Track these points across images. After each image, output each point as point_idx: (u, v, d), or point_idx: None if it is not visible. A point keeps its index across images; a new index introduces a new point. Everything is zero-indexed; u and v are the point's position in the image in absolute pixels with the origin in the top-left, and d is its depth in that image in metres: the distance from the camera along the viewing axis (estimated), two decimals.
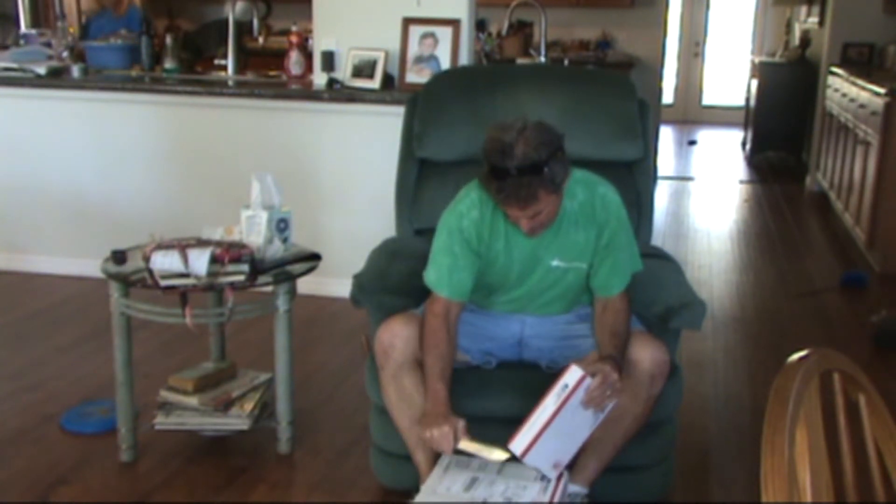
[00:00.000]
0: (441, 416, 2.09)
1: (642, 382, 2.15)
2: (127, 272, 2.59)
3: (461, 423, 2.08)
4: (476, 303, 2.39)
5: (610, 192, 2.28)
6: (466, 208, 2.26)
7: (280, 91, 4.30)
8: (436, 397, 2.13)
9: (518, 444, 2.01)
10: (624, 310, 2.26)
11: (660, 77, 7.64)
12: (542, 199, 2.05)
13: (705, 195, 7.31)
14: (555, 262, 2.26)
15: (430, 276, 2.29)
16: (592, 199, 2.24)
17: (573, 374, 2.03)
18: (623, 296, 2.28)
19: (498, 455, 2.07)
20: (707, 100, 11.63)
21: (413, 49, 4.10)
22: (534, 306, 2.36)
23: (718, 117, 11.23)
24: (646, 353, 2.15)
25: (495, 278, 2.31)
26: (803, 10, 8.80)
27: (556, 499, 2.07)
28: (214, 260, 2.50)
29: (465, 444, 2.12)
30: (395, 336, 2.21)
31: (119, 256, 2.65)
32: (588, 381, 2.04)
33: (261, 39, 5.49)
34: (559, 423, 2.03)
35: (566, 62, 6.99)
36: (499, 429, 2.25)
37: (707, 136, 10.44)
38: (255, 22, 5.17)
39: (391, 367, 2.22)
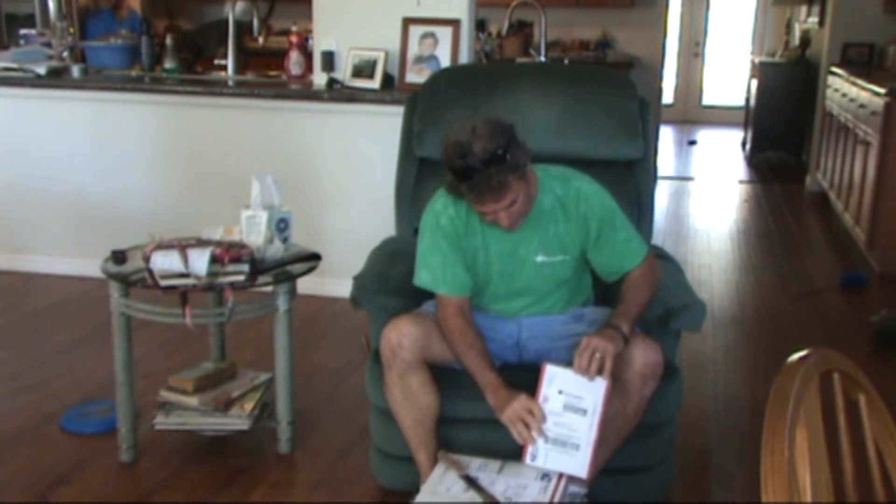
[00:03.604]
0: (509, 396, 2.11)
1: (633, 383, 2.15)
2: (127, 272, 2.59)
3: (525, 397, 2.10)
4: (474, 304, 2.40)
5: (585, 184, 2.31)
6: (442, 206, 2.31)
7: (280, 91, 4.30)
8: (494, 386, 2.15)
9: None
10: (641, 276, 2.26)
11: (660, 77, 7.64)
12: (513, 186, 2.09)
13: (705, 195, 7.31)
14: (539, 258, 2.29)
15: (424, 278, 2.30)
16: (567, 192, 2.28)
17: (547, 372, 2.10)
18: (643, 265, 2.28)
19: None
20: (707, 100, 11.62)
21: (413, 49, 4.09)
22: (533, 304, 2.37)
23: (718, 117, 11.22)
24: (638, 354, 2.15)
25: (480, 277, 2.32)
26: (803, 10, 8.80)
27: (556, 499, 2.07)
28: (214, 260, 2.50)
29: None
30: (404, 335, 2.20)
31: (119, 256, 2.65)
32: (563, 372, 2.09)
33: (261, 39, 5.48)
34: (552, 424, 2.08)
35: (566, 62, 6.98)
36: (499, 430, 2.25)
37: (707, 136, 10.43)
38: (255, 22, 5.17)
39: (399, 367, 2.21)
